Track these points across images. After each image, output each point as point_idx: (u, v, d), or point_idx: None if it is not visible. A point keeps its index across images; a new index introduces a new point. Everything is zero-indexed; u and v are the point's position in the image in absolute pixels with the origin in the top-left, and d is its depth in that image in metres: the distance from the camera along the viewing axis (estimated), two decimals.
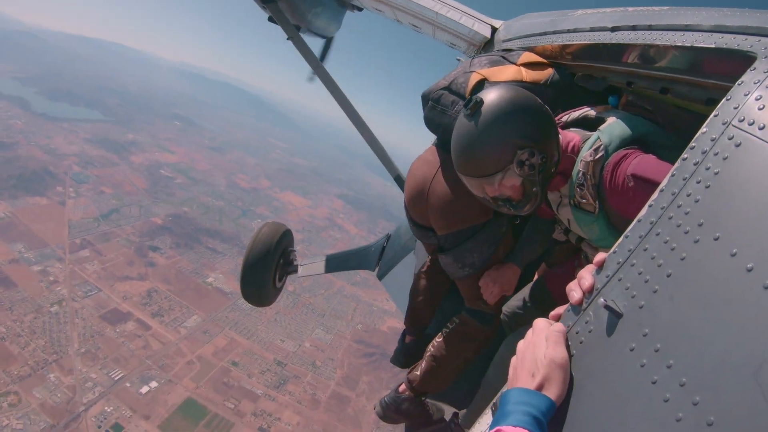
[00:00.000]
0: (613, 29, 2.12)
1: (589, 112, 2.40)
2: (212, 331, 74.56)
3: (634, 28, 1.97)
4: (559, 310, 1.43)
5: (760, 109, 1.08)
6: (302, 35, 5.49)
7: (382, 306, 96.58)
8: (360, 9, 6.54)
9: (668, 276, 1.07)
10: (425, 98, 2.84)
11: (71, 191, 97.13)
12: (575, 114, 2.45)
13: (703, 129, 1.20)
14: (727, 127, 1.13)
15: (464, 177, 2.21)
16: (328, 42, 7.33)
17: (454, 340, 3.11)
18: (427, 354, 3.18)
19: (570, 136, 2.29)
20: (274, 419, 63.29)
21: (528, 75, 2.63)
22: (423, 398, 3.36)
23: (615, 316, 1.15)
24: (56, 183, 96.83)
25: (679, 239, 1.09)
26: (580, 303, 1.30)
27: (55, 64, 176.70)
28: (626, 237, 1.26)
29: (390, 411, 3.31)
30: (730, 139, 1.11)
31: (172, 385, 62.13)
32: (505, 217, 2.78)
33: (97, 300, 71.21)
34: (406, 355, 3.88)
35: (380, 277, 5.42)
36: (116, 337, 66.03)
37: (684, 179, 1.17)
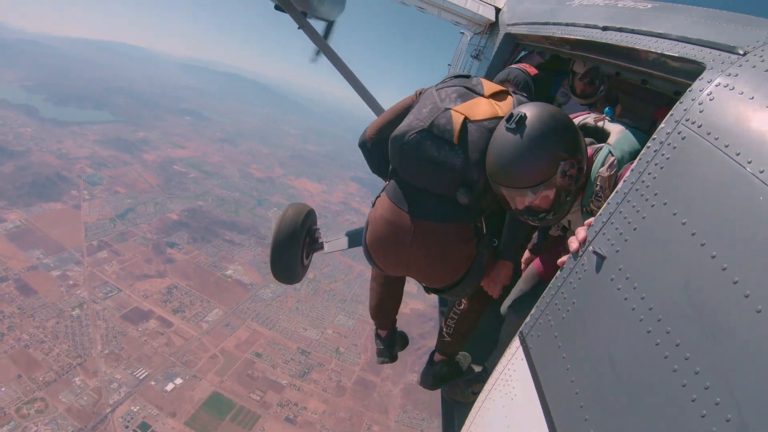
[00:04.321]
0: (604, 29, 2.50)
1: (588, 119, 2.65)
2: (234, 324, 74.38)
3: (620, 30, 2.37)
4: (563, 258, 2.00)
5: (700, 112, 1.48)
6: (308, 20, 5.85)
7: (404, 288, 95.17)
8: None
9: (635, 230, 1.59)
10: (398, 140, 2.73)
11: (85, 194, 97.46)
12: (576, 120, 2.63)
13: (662, 125, 1.63)
14: (678, 124, 1.56)
15: (504, 188, 2.35)
16: (330, 24, 7.68)
17: (467, 313, 3.48)
18: (449, 323, 3.58)
19: None
20: (300, 409, 62.97)
21: (500, 109, 2.67)
22: (454, 358, 3.84)
23: (600, 258, 1.70)
24: (70, 187, 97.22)
25: (642, 205, 1.59)
26: (577, 251, 1.88)
27: (60, 69, 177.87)
28: (608, 204, 1.78)
29: (430, 379, 3.80)
30: (679, 133, 1.54)
31: (196, 381, 62.16)
32: (485, 246, 2.92)
33: (118, 300, 71.43)
34: (389, 347, 4.04)
35: None
36: (139, 336, 66.21)
37: (647, 162, 1.64)
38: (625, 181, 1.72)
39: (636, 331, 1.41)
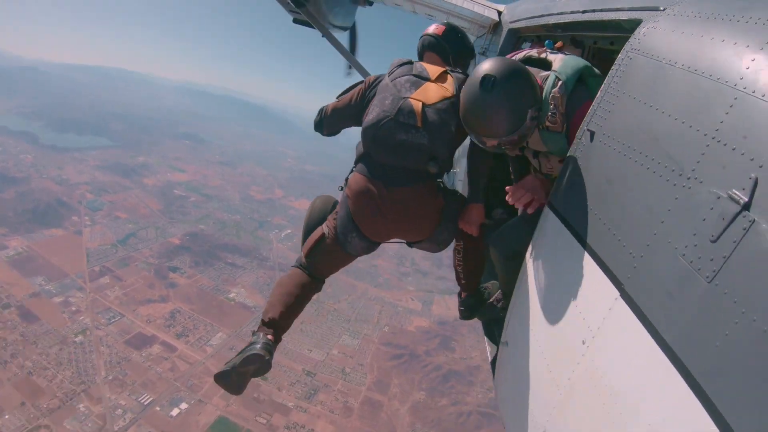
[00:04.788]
0: (584, 12, 3.14)
1: (532, 52, 3.20)
2: (238, 347, 69.88)
3: (593, 10, 3.00)
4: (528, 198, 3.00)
5: (639, 43, 2.31)
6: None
7: (408, 306, 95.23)
8: (371, 4, 7.29)
9: (613, 106, 2.40)
10: (370, 131, 3.34)
11: (87, 220, 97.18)
12: (519, 56, 3.25)
13: (619, 56, 2.45)
14: (627, 52, 2.38)
15: (484, 137, 2.84)
16: (353, 35, 8.16)
17: (466, 254, 3.80)
18: (458, 270, 3.89)
19: None
20: (307, 431, 62.12)
21: (446, 90, 3.38)
22: (480, 288, 4.07)
23: (592, 134, 2.53)
24: (71, 213, 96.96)
25: (603, 111, 2.45)
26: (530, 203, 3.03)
27: (58, 95, 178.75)
28: (600, 101, 2.55)
29: (463, 312, 4.04)
30: (629, 57, 2.35)
31: (202, 405, 61.28)
32: (449, 196, 3.57)
33: (121, 326, 70.81)
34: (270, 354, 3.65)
35: None
36: (143, 361, 65.38)
37: (614, 71, 2.46)
38: (607, 81, 2.49)
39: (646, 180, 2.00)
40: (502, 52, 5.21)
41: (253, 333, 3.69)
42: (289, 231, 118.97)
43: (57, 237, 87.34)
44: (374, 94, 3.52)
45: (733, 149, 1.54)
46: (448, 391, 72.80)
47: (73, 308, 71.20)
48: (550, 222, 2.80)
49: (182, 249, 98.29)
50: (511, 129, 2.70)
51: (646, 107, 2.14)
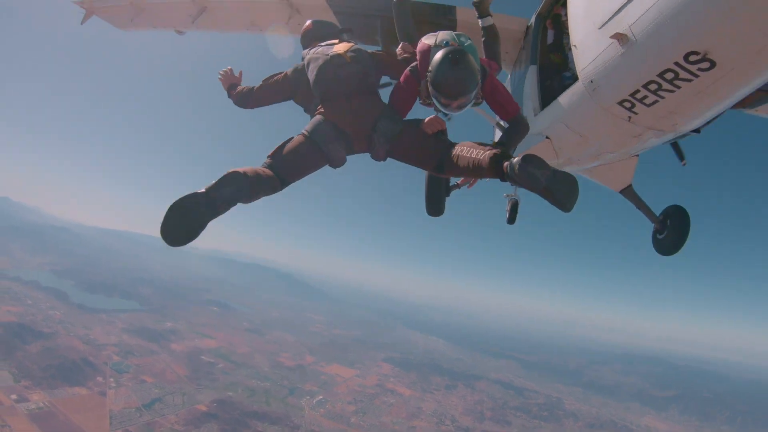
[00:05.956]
0: None
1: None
2: None
3: None
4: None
5: None
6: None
7: None
8: None
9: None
10: (321, 82, 4.84)
11: (111, 381, 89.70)
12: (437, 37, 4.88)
13: None
14: None
15: (450, 99, 4.22)
16: None
17: (456, 146, 4.50)
18: (470, 156, 4.30)
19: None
20: None
21: (346, 46, 5.01)
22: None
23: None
24: (96, 373, 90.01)
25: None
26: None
27: (89, 256, 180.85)
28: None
29: (508, 160, 4.13)
30: None
31: None
32: (384, 104, 5.00)
33: None
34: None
35: None
36: None
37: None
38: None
39: None
40: None
41: None
42: (321, 397, 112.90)
43: (80, 396, 79.96)
44: (308, 64, 4.95)
45: None
46: None
47: None
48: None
49: (210, 416, 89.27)
50: (473, 90, 4.13)
51: None
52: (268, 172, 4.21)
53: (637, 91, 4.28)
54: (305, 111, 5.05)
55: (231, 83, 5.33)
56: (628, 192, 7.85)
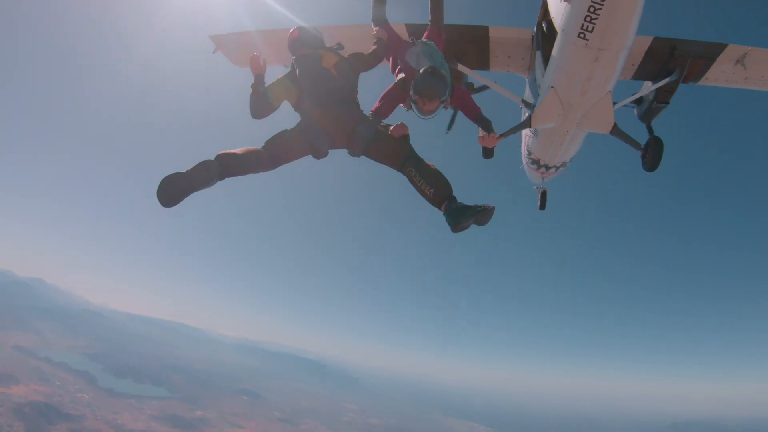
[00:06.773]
0: None
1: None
2: None
3: None
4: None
5: None
6: None
7: None
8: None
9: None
10: (310, 91, 5.48)
11: None
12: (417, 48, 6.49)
13: None
14: None
15: (427, 101, 5.31)
16: (453, 114, 10.88)
17: (417, 163, 5.28)
18: (420, 186, 5.23)
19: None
20: None
21: (334, 56, 5.62)
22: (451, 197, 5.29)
23: None
24: None
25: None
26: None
27: (120, 341, 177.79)
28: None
29: (453, 218, 5.04)
30: None
31: None
32: (364, 114, 5.62)
33: None
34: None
35: None
36: None
37: None
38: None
39: None
40: None
41: None
42: None
43: None
44: (297, 70, 5.44)
45: None
46: None
47: None
48: None
49: None
50: (442, 96, 5.30)
51: None
52: (259, 149, 5.16)
53: (583, 23, 6.16)
54: (295, 110, 5.57)
55: (258, 73, 5.41)
56: (616, 131, 8.63)
